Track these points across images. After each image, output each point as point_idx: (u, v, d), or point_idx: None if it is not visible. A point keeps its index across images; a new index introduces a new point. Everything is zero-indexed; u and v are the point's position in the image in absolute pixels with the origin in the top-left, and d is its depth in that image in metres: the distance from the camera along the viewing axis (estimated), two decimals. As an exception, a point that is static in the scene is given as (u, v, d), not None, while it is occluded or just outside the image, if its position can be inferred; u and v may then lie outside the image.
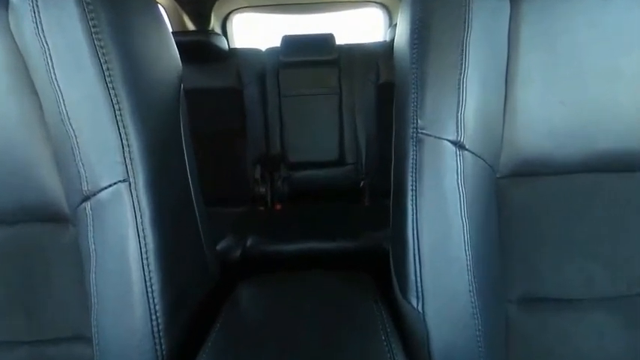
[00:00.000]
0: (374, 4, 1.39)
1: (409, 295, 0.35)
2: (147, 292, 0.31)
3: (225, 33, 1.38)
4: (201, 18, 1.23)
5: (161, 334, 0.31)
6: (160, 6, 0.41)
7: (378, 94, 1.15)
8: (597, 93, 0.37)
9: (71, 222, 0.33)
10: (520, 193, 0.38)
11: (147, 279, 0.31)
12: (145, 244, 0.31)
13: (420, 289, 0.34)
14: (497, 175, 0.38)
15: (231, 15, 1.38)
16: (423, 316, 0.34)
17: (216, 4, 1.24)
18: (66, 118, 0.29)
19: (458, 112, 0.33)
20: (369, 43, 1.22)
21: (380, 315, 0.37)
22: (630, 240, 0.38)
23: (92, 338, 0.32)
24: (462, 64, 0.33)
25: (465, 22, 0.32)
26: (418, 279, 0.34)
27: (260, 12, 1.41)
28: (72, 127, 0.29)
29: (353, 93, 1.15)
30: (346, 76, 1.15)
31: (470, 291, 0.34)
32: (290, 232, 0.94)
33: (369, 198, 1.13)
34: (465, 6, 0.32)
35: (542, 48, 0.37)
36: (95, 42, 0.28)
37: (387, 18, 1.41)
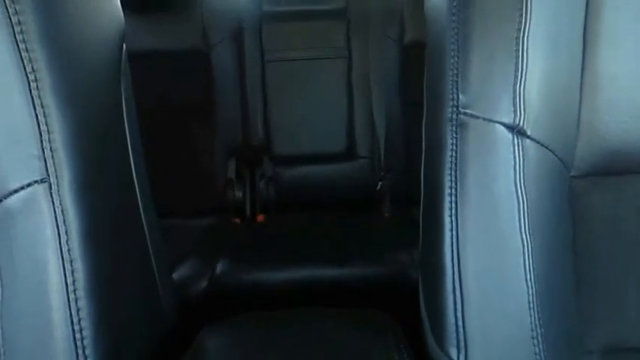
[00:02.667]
0: None
1: (446, 343, 0.34)
2: (74, 339, 0.29)
3: None
4: None
5: None
6: None
7: (403, 58, 1.10)
8: None
9: None
10: (604, 199, 0.38)
11: (74, 321, 0.29)
12: (72, 272, 0.29)
13: (462, 336, 0.33)
14: (572, 174, 0.37)
15: None
16: None
17: None
18: None
19: (516, 84, 0.33)
20: None
21: None
22: None
23: None
24: (522, 15, 0.32)
25: None
26: (460, 322, 0.33)
27: None
28: None
29: (367, 56, 1.09)
30: (358, 33, 1.10)
31: (533, 337, 0.33)
32: (277, 254, 0.91)
33: (390, 206, 1.09)
34: None
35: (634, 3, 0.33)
36: None
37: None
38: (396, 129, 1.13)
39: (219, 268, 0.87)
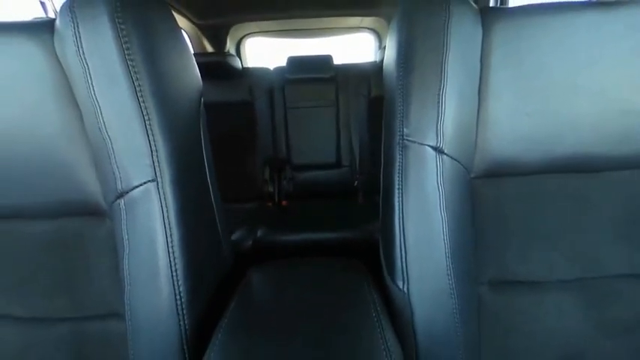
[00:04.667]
0: (365, 29, 1.39)
1: (396, 278, 0.36)
2: (172, 275, 0.32)
3: (239, 54, 1.48)
4: (219, 41, 1.34)
5: (184, 311, 0.33)
6: (183, 31, 0.41)
7: (370, 106, 1.22)
8: (559, 105, 0.39)
9: (108, 216, 0.35)
10: (491, 191, 0.40)
11: (172, 264, 0.32)
12: (171, 235, 0.32)
13: (405, 273, 0.35)
14: (472, 176, 0.39)
15: (244, 39, 1.51)
16: (408, 296, 0.35)
17: (231, 29, 1.35)
18: (103, 127, 0.31)
19: (438, 121, 0.35)
20: (361, 63, 1.33)
21: (371, 296, 0.39)
22: (586, 233, 0.41)
23: (125, 315, 0.34)
24: (441, 80, 0.35)
25: (444, 46, 0.34)
26: (404, 264, 0.35)
27: (269, 36, 1.43)
28: (108, 135, 0.31)
29: (348, 105, 1.22)
30: (342, 91, 1.23)
31: (448, 274, 0.35)
32: (294, 225, 0.98)
33: (362, 196, 1.19)
34: (444, 31, 0.34)
35: (510, 66, 0.38)
36: (128, 62, 0.30)
37: (377, 41, 1.42)
38: (365, 149, 1.22)
39: (259, 233, 0.95)
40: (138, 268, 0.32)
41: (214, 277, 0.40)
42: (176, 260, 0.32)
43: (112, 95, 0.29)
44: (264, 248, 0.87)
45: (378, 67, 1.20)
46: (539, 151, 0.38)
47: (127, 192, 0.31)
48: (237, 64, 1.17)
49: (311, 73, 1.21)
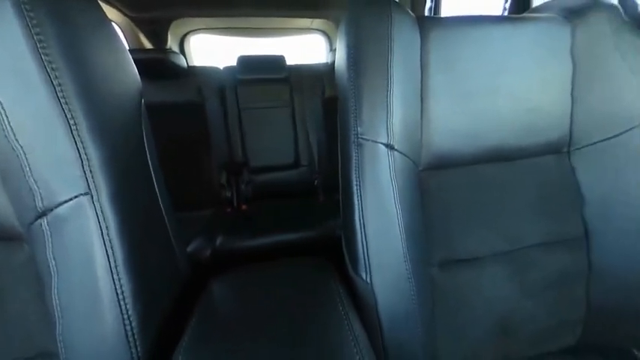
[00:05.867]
0: (316, 31, 1.41)
1: (360, 270, 0.37)
2: (117, 299, 0.28)
3: (183, 52, 1.36)
4: (158, 37, 1.22)
5: (135, 337, 0.29)
6: (114, 24, 0.36)
7: (325, 106, 1.23)
8: (484, 105, 0.45)
9: (25, 240, 0.30)
10: (436, 182, 0.43)
11: (117, 287, 0.28)
12: (113, 253, 0.28)
13: (367, 264, 0.36)
14: (420, 169, 0.42)
15: (188, 36, 1.38)
16: (372, 285, 0.36)
17: (173, 25, 1.25)
18: (11, 134, 0.26)
19: (387, 121, 0.37)
20: (314, 64, 1.33)
21: (337, 291, 0.40)
22: (510, 212, 0.47)
23: (59, 353, 0.29)
24: (388, 83, 0.37)
25: (389, 51, 0.37)
26: (366, 256, 0.36)
27: (215, 34, 1.35)
28: (19, 143, 0.26)
29: (303, 106, 1.22)
30: (297, 92, 1.23)
31: (405, 261, 0.37)
32: (256, 229, 0.94)
33: (322, 194, 1.20)
34: (388, 37, 0.37)
35: (444, 71, 0.43)
36: (42, 56, 0.25)
37: (328, 43, 1.44)
38: (323, 148, 1.22)
39: (218, 241, 0.90)
40: (71, 296, 0.28)
41: (169, 295, 0.38)
42: (121, 282, 0.28)
43: (22, 95, 0.25)
44: (225, 256, 0.83)
45: (330, 69, 1.23)
46: (471, 145, 0.43)
47: (51, 209, 0.27)
48: (182, 62, 1.10)
49: (264, 73, 1.18)
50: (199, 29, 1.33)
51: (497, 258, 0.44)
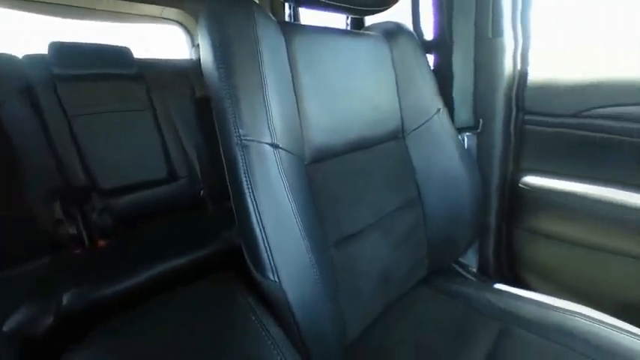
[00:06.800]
0: (170, 21, 1.23)
1: (266, 271, 0.37)
2: None
3: None
4: None
5: None
6: None
7: (198, 108, 1.11)
8: (343, 104, 0.52)
9: None
10: (320, 173, 0.47)
11: None
12: None
13: (273, 263, 0.37)
14: (305, 163, 0.45)
15: None
16: (280, 283, 0.37)
17: None
18: None
19: (268, 121, 0.38)
20: (177, 60, 1.17)
21: (246, 302, 0.40)
22: (374, 188, 0.56)
23: None
24: (262, 83, 0.38)
25: (258, 53, 0.38)
26: (270, 256, 0.37)
27: (10, 7, 0.92)
28: None
29: (168, 107, 1.05)
30: (156, 91, 1.04)
31: (307, 251, 0.39)
32: (126, 265, 0.75)
33: (211, 204, 1.08)
34: (254, 38, 0.38)
35: (310, 72, 0.47)
36: None
37: (189, 38, 1.29)
38: (204, 154, 1.09)
39: (65, 299, 0.65)
40: None
41: None
42: None
43: None
44: (80, 317, 0.63)
45: (197, 66, 1.10)
46: (340, 138, 0.50)
47: None
48: None
49: (104, 67, 0.94)
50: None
51: (372, 226, 0.53)
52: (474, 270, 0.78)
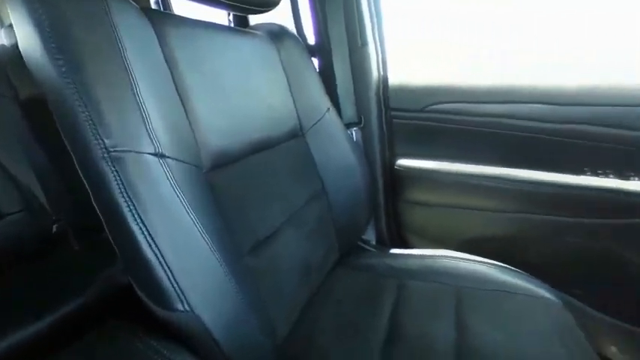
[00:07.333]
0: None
1: (172, 303, 0.32)
2: None
3: None
4: None
5: None
6: None
7: (26, 113, 0.82)
8: (240, 103, 0.49)
9: None
10: (223, 180, 0.44)
11: None
12: None
13: (179, 290, 0.32)
14: (204, 171, 0.41)
15: None
16: (192, 310, 0.32)
17: None
18: None
19: (147, 126, 0.32)
20: None
21: (149, 345, 0.33)
22: (283, 185, 0.57)
23: None
24: (130, 79, 0.32)
25: (117, 42, 0.31)
26: (174, 284, 0.31)
27: None
28: None
29: None
30: None
31: (220, 264, 0.36)
32: None
33: (74, 240, 0.85)
34: (109, 22, 0.31)
35: (197, 71, 0.42)
36: None
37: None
38: (49, 176, 0.82)
39: None
40: None
41: None
42: None
43: None
44: None
45: (14, 55, 0.80)
46: (242, 140, 0.48)
47: None
48: None
49: None
50: None
51: (285, 224, 0.53)
52: (374, 243, 0.91)
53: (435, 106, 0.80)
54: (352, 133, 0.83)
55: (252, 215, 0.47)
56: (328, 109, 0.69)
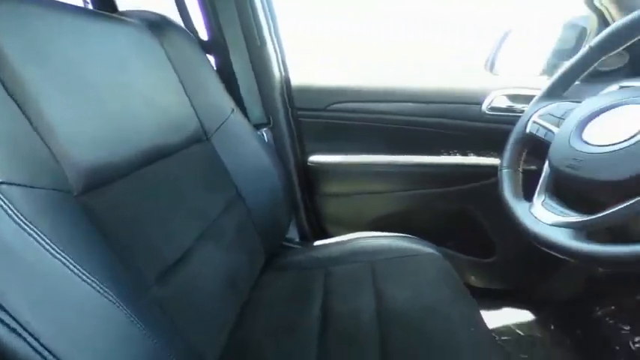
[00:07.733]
0: None
1: None
2: None
3: None
4: None
5: None
6: None
7: None
8: (117, 106, 0.41)
9: None
10: (105, 202, 0.36)
11: None
12: None
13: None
14: (75, 194, 0.33)
15: None
16: None
17: None
18: None
19: None
20: None
21: None
22: (191, 198, 0.50)
23: None
24: None
25: None
26: (47, 354, 0.24)
27: None
28: None
29: None
30: None
31: (116, 306, 0.29)
32: None
33: None
34: None
35: (37, 63, 0.33)
36: None
37: None
38: None
39: None
40: None
41: None
42: None
43: None
44: None
45: None
46: (128, 150, 0.40)
47: None
48: None
49: None
50: None
51: (201, 239, 0.48)
52: (298, 240, 0.94)
53: (335, 105, 0.87)
54: (263, 134, 0.83)
55: (155, 238, 0.40)
56: (233, 109, 0.66)
